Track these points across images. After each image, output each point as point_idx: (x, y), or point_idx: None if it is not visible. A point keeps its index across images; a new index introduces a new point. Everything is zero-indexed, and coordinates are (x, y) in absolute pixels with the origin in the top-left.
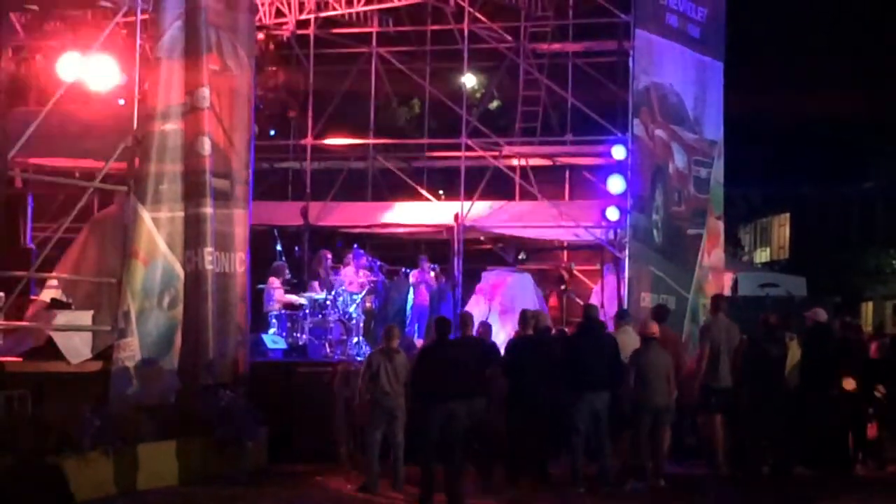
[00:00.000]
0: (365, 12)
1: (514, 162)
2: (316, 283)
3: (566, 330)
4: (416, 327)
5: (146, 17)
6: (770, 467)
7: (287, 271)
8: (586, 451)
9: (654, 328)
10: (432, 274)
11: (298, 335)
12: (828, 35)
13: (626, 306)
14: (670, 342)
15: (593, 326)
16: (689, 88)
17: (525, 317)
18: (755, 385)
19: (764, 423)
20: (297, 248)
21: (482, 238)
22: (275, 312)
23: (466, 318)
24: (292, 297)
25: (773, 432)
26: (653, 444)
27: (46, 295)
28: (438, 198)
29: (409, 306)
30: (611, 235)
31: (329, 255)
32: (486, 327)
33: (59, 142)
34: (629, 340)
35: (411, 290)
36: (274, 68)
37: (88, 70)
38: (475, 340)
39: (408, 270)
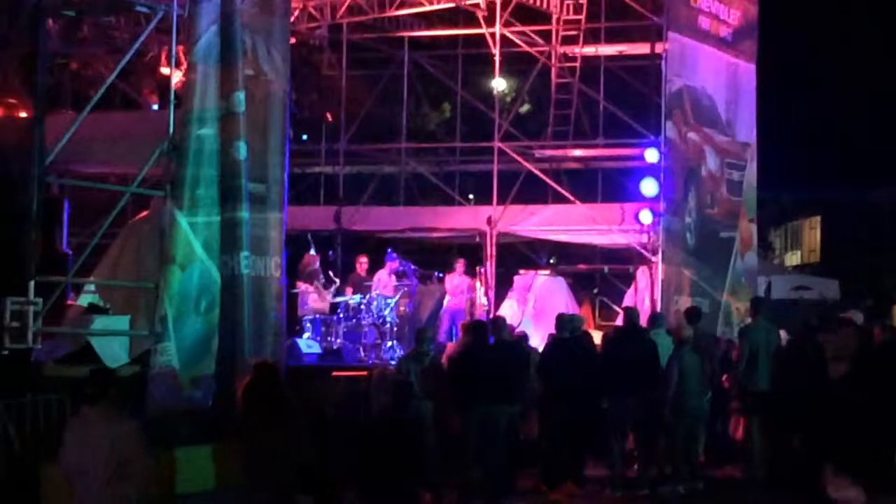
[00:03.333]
0: (397, 17)
1: (547, 165)
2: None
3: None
4: (452, 332)
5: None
6: (807, 470)
7: (321, 276)
8: (623, 454)
9: (689, 331)
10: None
11: (333, 339)
12: (860, 37)
13: (659, 309)
14: (703, 344)
15: (633, 330)
16: (721, 91)
17: (562, 320)
18: (794, 388)
19: (802, 426)
20: (330, 253)
21: (514, 242)
22: (309, 317)
23: (501, 323)
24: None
25: (811, 435)
26: (690, 446)
27: (84, 300)
28: (469, 202)
29: (441, 311)
30: (644, 238)
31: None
32: (521, 336)
33: (95, 147)
34: (662, 344)
35: (446, 294)
36: (307, 72)
37: None
38: (512, 345)
39: (441, 274)
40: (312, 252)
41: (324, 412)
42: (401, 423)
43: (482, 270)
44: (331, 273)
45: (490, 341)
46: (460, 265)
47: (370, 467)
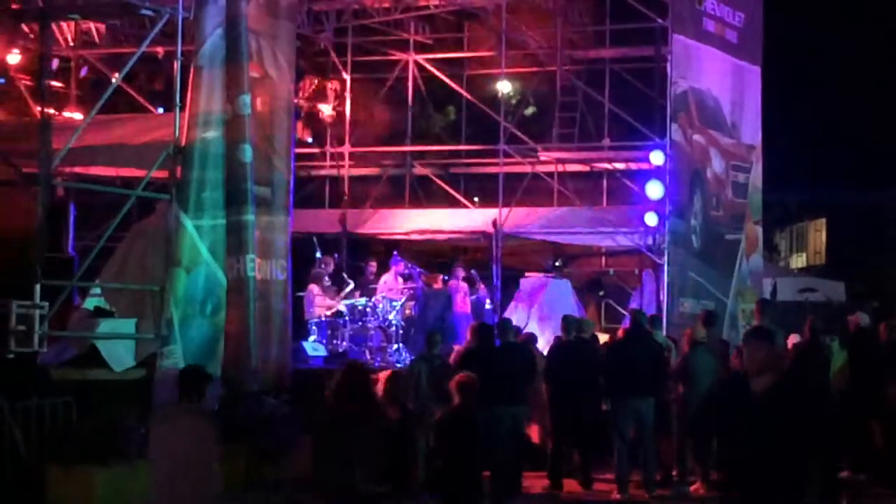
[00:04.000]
0: (402, 19)
1: (552, 168)
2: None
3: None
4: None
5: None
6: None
7: (327, 278)
8: (631, 456)
9: (701, 332)
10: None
11: (338, 342)
12: (865, 39)
13: (664, 312)
14: (718, 348)
15: (639, 331)
16: (726, 93)
17: (568, 322)
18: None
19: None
20: (336, 255)
21: (520, 244)
22: (315, 319)
23: (507, 325)
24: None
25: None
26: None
27: (90, 303)
28: (475, 204)
29: (446, 313)
30: (649, 241)
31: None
32: (530, 337)
33: (100, 150)
34: None
35: (451, 298)
36: (312, 76)
37: None
38: (518, 346)
39: (447, 278)
40: (319, 255)
41: (405, 409)
42: (474, 421)
43: (475, 274)
44: (344, 275)
45: (496, 343)
46: (458, 269)
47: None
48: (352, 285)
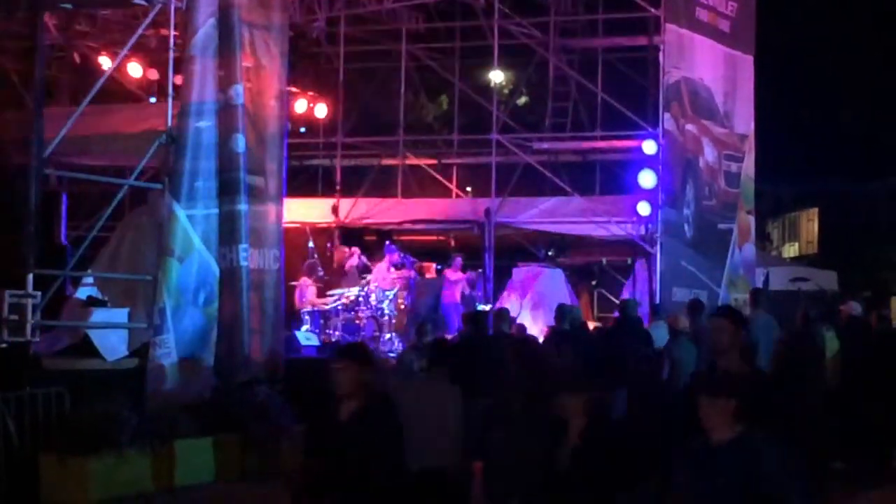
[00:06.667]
0: (394, 9)
1: (545, 158)
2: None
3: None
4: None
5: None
6: (807, 461)
7: (319, 268)
8: None
9: (683, 322)
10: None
11: (331, 332)
12: (858, 29)
13: (657, 301)
14: (704, 336)
15: (629, 321)
16: (719, 83)
17: (562, 311)
18: (793, 380)
19: (802, 417)
20: (328, 245)
21: (512, 234)
22: (307, 309)
23: (504, 314)
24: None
25: (810, 426)
26: None
27: (82, 293)
28: (467, 194)
29: (440, 304)
30: (642, 230)
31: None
32: (520, 328)
33: (93, 140)
34: (663, 335)
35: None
36: (304, 65)
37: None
38: (510, 336)
39: (440, 267)
40: (311, 245)
41: None
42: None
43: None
44: (368, 264)
45: (489, 332)
46: (457, 260)
47: None
48: (369, 276)
